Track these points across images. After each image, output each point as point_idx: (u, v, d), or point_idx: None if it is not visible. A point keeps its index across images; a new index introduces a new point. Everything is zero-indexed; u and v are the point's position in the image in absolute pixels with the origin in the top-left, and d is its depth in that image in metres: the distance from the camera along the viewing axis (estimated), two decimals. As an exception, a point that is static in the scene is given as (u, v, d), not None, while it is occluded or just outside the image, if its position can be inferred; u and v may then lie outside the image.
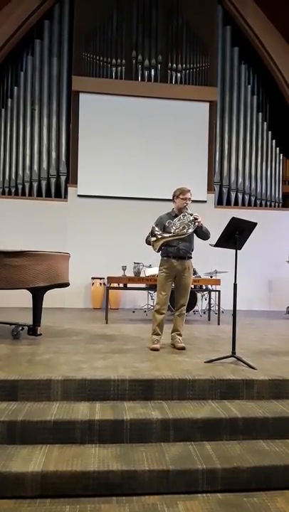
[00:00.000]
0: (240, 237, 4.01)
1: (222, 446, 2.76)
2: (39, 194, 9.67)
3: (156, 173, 9.52)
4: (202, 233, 4.50)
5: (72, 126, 9.70)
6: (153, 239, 4.38)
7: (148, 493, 2.44)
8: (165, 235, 4.36)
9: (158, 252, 4.50)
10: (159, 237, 4.35)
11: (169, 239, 4.37)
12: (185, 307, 4.66)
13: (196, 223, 4.36)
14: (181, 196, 4.49)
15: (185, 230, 4.33)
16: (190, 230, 4.34)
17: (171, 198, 4.64)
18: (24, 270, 4.62)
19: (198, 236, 4.55)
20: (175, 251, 4.47)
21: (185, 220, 4.37)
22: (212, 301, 8.15)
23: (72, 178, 9.67)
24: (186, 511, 2.29)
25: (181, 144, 9.79)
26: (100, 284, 9.24)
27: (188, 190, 4.52)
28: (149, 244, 4.45)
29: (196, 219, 4.36)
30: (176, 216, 4.47)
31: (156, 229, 4.38)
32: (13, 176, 9.67)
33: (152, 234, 4.39)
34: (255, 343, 5.08)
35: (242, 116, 10.38)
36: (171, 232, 4.36)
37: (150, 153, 9.68)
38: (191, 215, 4.39)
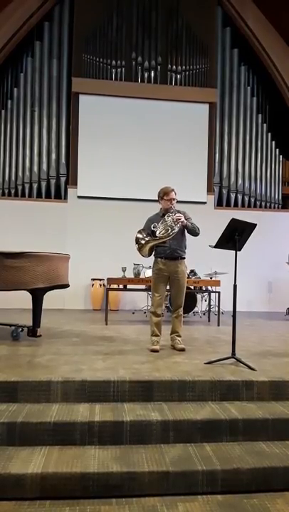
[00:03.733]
0: (240, 238, 4.01)
1: (222, 448, 2.76)
2: (39, 195, 9.68)
3: (156, 174, 9.49)
4: (190, 231, 4.47)
5: (72, 128, 9.71)
6: (137, 246, 4.37)
7: (148, 494, 2.43)
8: (147, 239, 4.34)
9: (148, 256, 4.49)
10: (143, 242, 4.34)
11: (154, 243, 4.36)
12: (181, 308, 4.60)
13: (179, 224, 4.33)
14: (165, 197, 4.48)
15: (169, 232, 4.30)
16: (174, 231, 4.30)
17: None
18: (24, 271, 4.62)
19: (188, 233, 4.53)
20: (165, 251, 4.44)
21: (168, 222, 4.34)
22: (212, 303, 8.15)
23: (72, 180, 9.68)
24: (186, 513, 2.29)
25: (181, 146, 9.80)
26: (100, 285, 9.24)
27: (172, 190, 4.49)
28: None
29: (179, 219, 4.32)
30: (164, 216, 4.45)
31: (140, 234, 4.36)
32: (13, 178, 9.68)
33: (136, 240, 4.37)
34: (255, 344, 5.08)
35: (242, 118, 10.40)
36: (156, 236, 4.33)
37: (150, 155, 9.69)
38: (175, 214, 4.36)
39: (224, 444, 2.82)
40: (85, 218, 9.54)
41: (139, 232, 4.41)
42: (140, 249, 4.37)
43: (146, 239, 4.34)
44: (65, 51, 9.92)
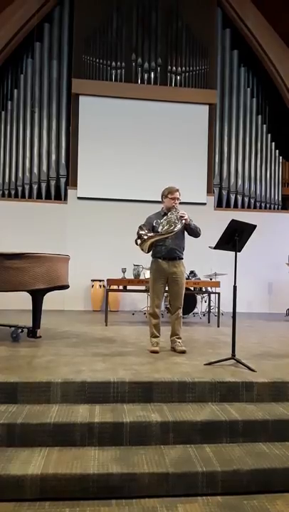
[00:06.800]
0: (240, 239, 4.01)
1: (222, 449, 2.76)
2: (39, 196, 9.69)
3: (156, 175, 9.50)
4: (191, 230, 4.44)
5: (72, 129, 9.72)
6: (139, 241, 4.31)
7: (148, 496, 2.43)
8: (150, 234, 4.28)
9: (148, 253, 4.44)
10: (145, 237, 4.26)
11: (156, 238, 4.29)
12: (181, 310, 4.56)
13: (183, 221, 4.30)
14: (169, 196, 4.44)
15: (172, 228, 4.25)
16: (177, 228, 4.26)
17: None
18: (24, 272, 4.62)
19: (188, 234, 4.50)
20: (164, 251, 4.41)
21: (172, 218, 4.31)
22: (212, 304, 8.14)
23: (72, 181, 9.69)
24: (186, 514, 2.29)
25: (181, 147, 9.81)
26: (100, 286, 9.24)
27: (177, 190, 4.46)
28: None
29: (183, 216, 4.30)
30: (165, 215, 4.42)
31: (142, 230, 4.31)
32: (13, 179, 9.69)
33: (138, 236, 4.32)
34: (254, 345, 5.08)
35: (241, 119, 10.42)
36: (158, 232, 4.30)
37: (150, 156, 9.70)
38: (178, 212, 4.33)
39: (224, 445, 2.81)
40: (85, 219, 9.54)
41: (140, 228, 4.35)
42: (141, 244, 4.29)
43: (149, 234, 4.27)
44: (65, 52, 9.94)
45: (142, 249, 4.35)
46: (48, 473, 2.41)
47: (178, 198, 4.45)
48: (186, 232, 4.51)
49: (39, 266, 4.70)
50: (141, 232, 4.31)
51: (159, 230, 4.30)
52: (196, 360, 4.03)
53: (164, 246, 4.40)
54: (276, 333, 6.40)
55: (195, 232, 4.47)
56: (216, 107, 10.20)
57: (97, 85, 9.55)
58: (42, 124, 9.81)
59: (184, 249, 4.55)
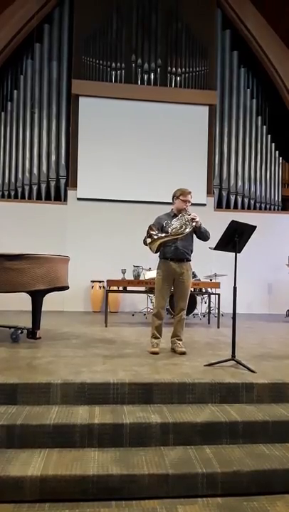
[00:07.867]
0: (240, 240, 4.01)
1: (222, 450, 2.75)
2: (39, 197, 9.69)
3: (156, 176, 9.53)
4: (201, 234, 4.43)
5: (72, 130, 9.72)
6: (148, 240, 4.30)
7: (148, 497, 2.42)
8: (161, 235, 4.28)
9: (156, 253, 4.44)
10: (155, 237, 4.26)
11: (166, 239, 4.29)
12: (185, 311, 4.55)
13: (194, 223, 4.30)
14: (181, 197, 4.44)
15: (182, 230, 4.25)
16: (187, 230, 4.26)
17: (170, 201, 4.60)
18: (24, 273, 4.61)
19: (197, 237, 4.49)
20: (173, 252, 4.40)
21: (183, 219, 4.30)
22: (212, 305, 8.14)
23: (71, 182, 9.69)
24: (186, 516, 2.29)
25: (181, 147, 9.81)
26: (100, 287, 9.23)
27: (189, 192, 4.46)
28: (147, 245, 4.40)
29: (194, 219, 4.30)
30: (174, 216, 4.42)
31: (152, 230, 4.31)
32: (13, 180, 9.69)
33: (148, 235, 4.32)
34: (254, 346, 5.07)
35: (241, 120, 10.42)
36: (168, 232, 4.30)
37: (150, 157, 9.70)
38: (189, 215, 4.34)
39: (224, 446, 2.81)
40: (85, 220, 9.54)
41: (151, 228, 4.34)
42: (150, 243, 4.29)
43: (160, 235, 4.28)
44: (64, 53, 9.95)
45: (150, 249, 4.36)
46: (47, 475, 2.41)
47: (189, 201, 4.45)
48: (194, 235, 4.50)
49: (39, 267, 4.69)
50: (152, 232, 4.30)
51: (169, 230, 4.30)
52: (196, 361, 4.02)
53: (174, 247, 4.39)
54: (276, 334, 6.40)
55: (204, 236, 4.46)
56: (215, 108, 10.21)
57: (97, 86, 9.56)
58: (42, 124, 9.81)
59: (192, 251, 4.55)
